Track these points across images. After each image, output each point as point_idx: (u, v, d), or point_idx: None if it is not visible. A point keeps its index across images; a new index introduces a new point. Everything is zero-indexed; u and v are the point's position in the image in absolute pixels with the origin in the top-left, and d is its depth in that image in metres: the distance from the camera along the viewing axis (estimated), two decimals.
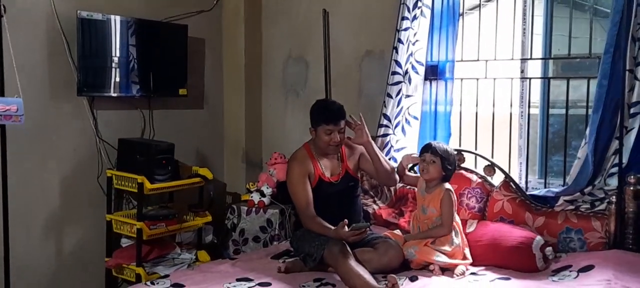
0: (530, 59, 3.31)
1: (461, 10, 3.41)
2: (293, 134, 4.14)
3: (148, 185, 3.28)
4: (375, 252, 2.80)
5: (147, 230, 3.30)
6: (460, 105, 3.49)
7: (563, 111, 3.22)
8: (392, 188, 3.47)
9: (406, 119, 3.51)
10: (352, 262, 2.66)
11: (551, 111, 3.26)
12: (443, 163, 2.87)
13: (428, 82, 3.51)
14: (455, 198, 2.93)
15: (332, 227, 2.77)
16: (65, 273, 3.51)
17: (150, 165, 3.35)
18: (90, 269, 3.60)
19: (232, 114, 4.29)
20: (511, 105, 3.34)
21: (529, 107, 3.32)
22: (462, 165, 3.32)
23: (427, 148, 2.91)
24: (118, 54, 3.52)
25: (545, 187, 3.23)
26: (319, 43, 3.94)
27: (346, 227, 2.71)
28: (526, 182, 3.34)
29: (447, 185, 2.91)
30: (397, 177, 3.15)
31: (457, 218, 2.95)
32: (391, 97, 3.50)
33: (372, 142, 3.02)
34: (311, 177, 2.98)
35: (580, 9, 3.20)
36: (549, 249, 2.84)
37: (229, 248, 3.88)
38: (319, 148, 3.01)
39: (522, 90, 3.35)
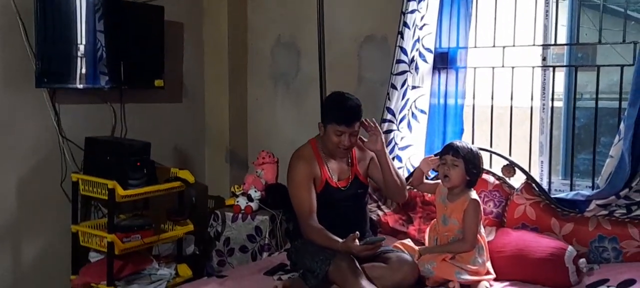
0: (554, 45, 3.06)
1: None
2: (283, 129, 3.91)
3: (120, 191, 2.93)
4: (388, 267, 2.54)
5: (120, 243, 2.96)
6: (474, 97, 3.26)
7: (590, 104, 3.00)
8: None
9: (412, 113, 3.26)
10: (363, 281, 2.40)
11: (577, 104, 3.02)
12: (467, 167, 2.58)
13: (437, 72, 3.28)
14: (482, 211, 2.65)
15: (340, 240, 2.48)
16: None
17: (122, 168, 3.01)
18: None
19: (215, 108, 4.01)
20: (532, 98, 3.10)
21: (552, 99, 3.07)
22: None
23: (448, 150, 2.62)
24: (84, 39, 3.15)
25: (570, 189, 3.02)
26: (312, 27, 3.67)
27: (357, 241, 2.42)
28: (549, 184, 3.11)
29: (473, 195, 2.63)
30: (407, 193, 2.91)
31: (482, 230, 2.67)
32: (395, 89, 3.24)
33: (386, 151, 2.72)
34: (317, 180, 2.70)
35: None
36: (582, 261, 2.62)
37: (213, 259, 3.63)
38: (327, 148, 2.70)
39: (544, 80, 3.10)
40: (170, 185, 3.20)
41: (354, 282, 2.38)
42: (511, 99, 3.14)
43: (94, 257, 3.24)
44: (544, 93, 3.10)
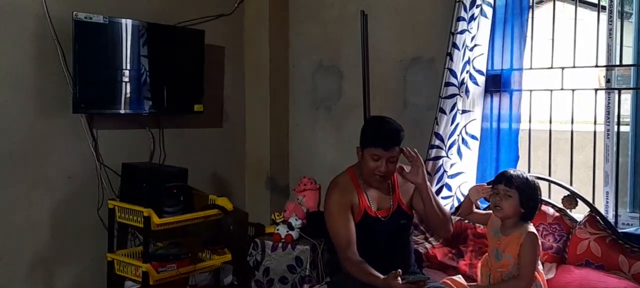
0: (619, 66, 2.82)
1: (531, 2, 2.93)
2: (325, 155, 3.78)
3: (156, 219, 2.85)
4: None
5: (154, 273, 2.87)
6: (529, 122, 3.04)
7: None
8: None
9: (463, 139, 3.07)
10: None
11: None
12: (522, 198, 2.36)
13: (489, 95, 3.09)
14: (540, 245, 2.43)
15: (381, 276, 2.30)
16: None
17: (158, 195, 2.93)
18: None
19: (255, 133, 3.92)
20: (595, 123, 2.86)
21: (618, 124, 2.80)
22: None
23: (500, 179, 2.42)
24: (123, 64, 3.10)
25: None
26: (356, 49, 3.56)
27: (399, 279, 2.24)
28: (615, 217, 2.84)
29: (530, 227, 2.41)
30: (451, 227, 2.70)
31: (540, 267, 2.45)
32: (444, 113, 3.07)
33: (428, 184, 2.55)
34: (354, 209, 2.55)
35: None
36: None
37: None
38: (364, 175, 2.55)
39: (608, 103, 2.87)
40: (207, 212, 3.10)
41: None
42: (572, 123, 2.91)
43: (129, 286, 3.15)
44: (609, 117, 2.86)
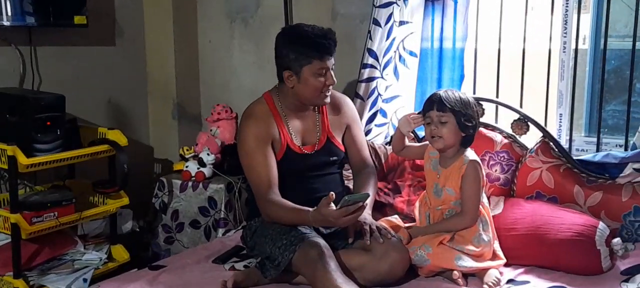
0: None
1: None
2: (243, 77, 3.46)
3: (23, 159, 2.38)
4: (370, 255, 2.07)
5: (27, 225, 2.42)
6: (476, 38, 2.77)
7: (623, 44, 2.56)
8: (381, 154, 2.73)
9: (400, 56, 2.81)
10: (336, 272, 1.93)
11: (608, 43, 2.52)
12: (459, 120, 2.12)
13: (431, 4, 2.79)
14: (484, 174, 2.20)
15: (310, 209, 2.02)
16: None
17: (27, 129, 2.45)
18: None
19: (158, 52, 3.50)
20: (551, 38, 2.60)
21: (576, 38, 2.55)
22: (480, 119, 2.57)
23: (431, 103, 2.15)
24: None
25: (597, 149, 2.58)
26: None
27: (333, 205, 1.95)
28: (569, 142, 2.64)
29: (471, 155, 2.18)
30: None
31: (485, 200, 2.23)
32: (379, 26, 2.76)
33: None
34: (276, 144, 2.23)
35: None
36: (617, 241, 2.22)
37: (159, 236, 3.19)
38: (297, 100, 2.24)
39: (566, 12, 2.58)
40: (93, 149, 2.64)
41: (324, 274, 1.91)
42: (524, 41, 2.64)
43: (3, 240, 2.67)
44: (566, 29, 2.58)
